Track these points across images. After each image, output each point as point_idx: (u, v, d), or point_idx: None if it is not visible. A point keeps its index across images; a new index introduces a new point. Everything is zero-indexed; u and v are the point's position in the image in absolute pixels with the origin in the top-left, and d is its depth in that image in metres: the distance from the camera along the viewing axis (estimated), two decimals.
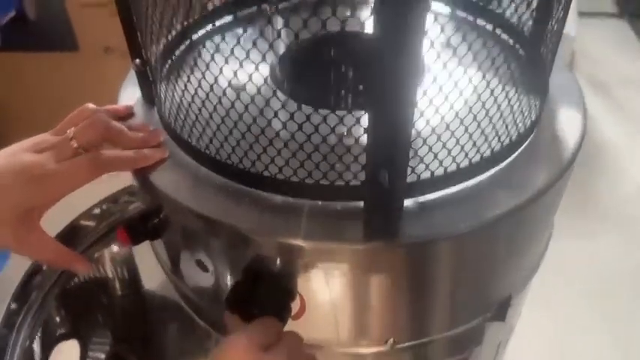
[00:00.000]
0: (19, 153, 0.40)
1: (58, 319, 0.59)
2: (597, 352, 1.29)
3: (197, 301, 0.50)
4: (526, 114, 0.42)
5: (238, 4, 0.50)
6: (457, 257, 0.40)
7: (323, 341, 0.44)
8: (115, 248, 0.63)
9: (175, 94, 0.42)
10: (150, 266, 0.66)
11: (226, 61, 0.36)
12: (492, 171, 0.41)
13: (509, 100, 0.40)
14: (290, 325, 0.41)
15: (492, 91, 0.39)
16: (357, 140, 0.37)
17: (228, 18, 0.50)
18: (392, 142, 0.34)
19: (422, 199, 0.40)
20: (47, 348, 0.57)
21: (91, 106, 0.44)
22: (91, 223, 0.54)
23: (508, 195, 0.40)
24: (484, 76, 0.38)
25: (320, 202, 0.40)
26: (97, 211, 0.55)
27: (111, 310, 0.67)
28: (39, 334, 0.55)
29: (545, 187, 0.41)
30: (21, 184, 0.39)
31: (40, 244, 0.42)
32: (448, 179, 0.39)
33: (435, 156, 0.38)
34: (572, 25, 1.68)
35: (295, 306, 0.42)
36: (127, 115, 0.47)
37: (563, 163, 0.42)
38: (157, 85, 0.45)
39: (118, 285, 0.67)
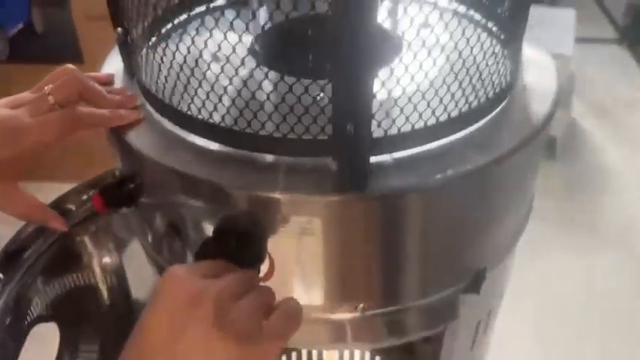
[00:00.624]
0: None
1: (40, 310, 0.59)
2: None
3: None
4: (496, 79, 0.42)
5: None
6: (425, 213, 0.40)
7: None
8: (105, 259, 0.64)
9: (154, 58, 0.43)
10: (139, 276, 0.66)
11: (207, 34, 0.38)
12: (463, 133, 0.42)
13: (478, 65, 0.41)
14: None
15: (461, 55, 0.40)
16: (324, 98, 0.38)
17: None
18: (355, 95, 0.35)
19: (391, 155, 0.40)
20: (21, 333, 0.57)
21: (70, 66, 0.45)
22: (71, 206, 0.55)
23: (477, 154, 0.40)
24: (456, 43, 0.39)
25: (294, 159, 0.40)
26: (77, 194, 0.56)
27: (100, 319, 0.67)
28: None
29: (513, 148, 0.41)
30: None
31: (13, 197, 0.42)
32: (415, 137, 0.40)
33: (401, 111, 0.39)
34: (569, 46, 1.70)
35: (264, 267, 0.42)
36: (107, 82, 0.48)
37: (534, 128, 0.43)
38: (137, 52, 0.46)
39: (106, 294, 0.67)
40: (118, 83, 0.50)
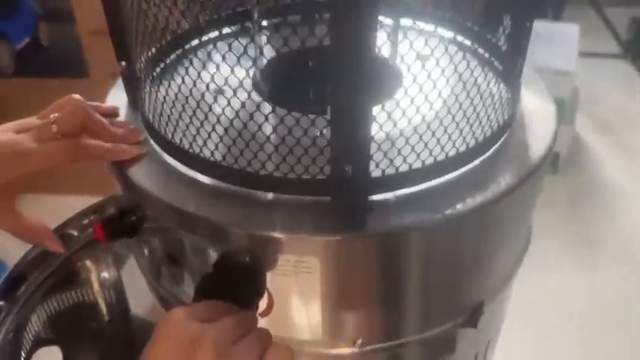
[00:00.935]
0: (1, 132, 0.42)
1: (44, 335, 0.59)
2: None
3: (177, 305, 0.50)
4: (493, 119, 0.43)
5: (224, 22, 0.52)
6: (424, 253, 0.41)
7: (291, 340, 0.44)
8: (104, 274, 0.64)
9: (158, 93, 0.44)
10: (137, 290, 0.66)
11: (210, 68, 0.38)
12: (461, 170, 0.42)
13: (477, 102, 0.41)
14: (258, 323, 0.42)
15: (459, 98, 0.40)
16: (323, 135, 0.39)
17: (215, 33, 0.52)
18: (352, 137, 0.35)
19: (391, 194, 0.40)
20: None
21: (76, 96, 0.45)
22: (73, 232, 0.55)
23: (474, 194, 0.41)
24: (454, 79, 0.39)
25: (293, 197, 0.41)
26: (80, 219, 0.56)
27: (99, 334, 0.67)
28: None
29: (510, 188, 0.41)
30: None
31: (13, 218, 0.43)
32: (413, 176, 0.40)
33: (399, 152, 0.39)
34: (573, 62, 1.70)
35: (263, 303, 0.42)
36: (111, 113, 0.49)
37: (531, 166, 0.43)
38: (141, 86, 0.47)
39: (105, 310, 0.68)
40: (123, 115, 0.50)
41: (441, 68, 0.39)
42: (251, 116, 0.39)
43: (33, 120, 0.44)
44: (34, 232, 0.45)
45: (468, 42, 0.51)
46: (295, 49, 0.43)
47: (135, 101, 0.50)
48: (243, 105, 0.39)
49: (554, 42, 1.76)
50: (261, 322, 0.43)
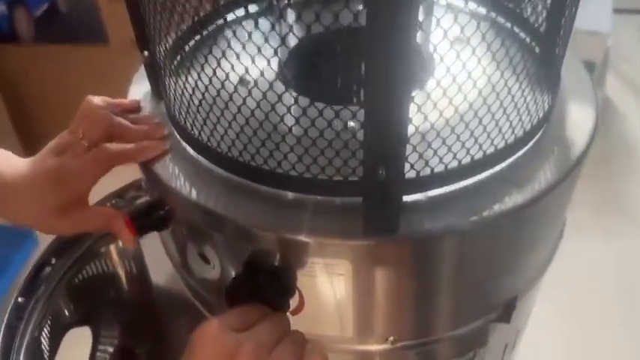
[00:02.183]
0: (44, 158, 0.43)
1: (67, 312, 0.60)
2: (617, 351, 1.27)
3: (205, 295, 0.50)
4: (533, 112, 0.41)
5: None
6: (458, 255, 0.40)
7: (323, 337, 0.44)
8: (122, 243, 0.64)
9: (182, 87, 0.42)
10: (158, 260, 0.66)
11: (233, 57, 0.36)
12: (498, 167, 0.40)
13: (515, 98, 0.39)
14: (290, 320, 0.41)
15: (497, 89, 0.38)
16: (355, 135, 0.37)
17: (239, 12, 0.50)
18: (387, 139, 0.34)
19: (423, 195, 0.39)
20: (57, 337, 0.58)
21: (96, 101, 0.45)
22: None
23: (512, 193, 0.39)
24: (491, 73, 0.37)
25: (322, 198, 0.39)
26: (105, 205, 0.56)
27: (119, 304, 0.68)
28: (48, 325, 0.56)
29: (549, 187, 0.40)
30: (50, 188, 0.42)
31: (88, 217, 0.44)
32: (449, 176, 0.39)
33: (435, 152, 0.37)
34: (607, 22, 1.63)
35: (294, 302, 0.42)
36: (133, 109, 0.48)
37: (570, 163, 0.41)
38: (164, 79, 0.45)
39: (125, 280, 0.68)
40: (147, 106, 0.49)
41: (477, 56, 0.36)
42: (281, 115, 0.37)
43: (65, 136, 0.44)
44: (112, 221, 0.45)
45: (505, 22, 0.49)
46: (330, 30, 0.40)
47: (157, 91, 0.48)
48: (272, 100, 0.37)
49: (586, 1, 1.69)
50: (292, 320, 0.42)
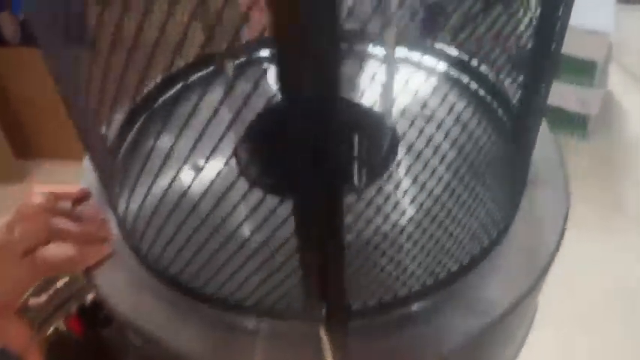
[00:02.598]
0: None
1: None
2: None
3: None
4: (490, 228, 0.38)
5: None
6: None
7: None
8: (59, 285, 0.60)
9: (124, 185, 0.40)
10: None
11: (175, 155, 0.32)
12: (448, 290, 0.38)
13: (471, 217, 0.37)
14: None
15: (451, 207, 0.35)
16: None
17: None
18: (325, 277, 0.32)
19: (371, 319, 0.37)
20: None
21: (37, 201, 0.42)
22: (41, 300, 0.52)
23: (465, 318, 0.37)
24: (442, 191, 0.34)
25: (272, 322, 0.38)
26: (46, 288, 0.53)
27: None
28: None
29: (504, 312, 0.37)
30: None
31: (16, 334, 0.42)
32: (396, 303, 0.36)
33: (380, 284, 0.35)
34: (610, 20, 1.57)
35: None
36: (81, 198, 0.46)
37: (530, 281, 0.39)
38: (108, 171, 0.43)
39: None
40: (96, 193, 0.46)
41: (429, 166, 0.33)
42: (225, 237, 0.34)
43: (1, 234, 0.41)
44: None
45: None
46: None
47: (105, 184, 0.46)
48: (215, 221, 0.34)
49: None
50: None
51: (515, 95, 0.42)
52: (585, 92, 1.63)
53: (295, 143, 0.25)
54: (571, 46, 1.54)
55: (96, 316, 0.45)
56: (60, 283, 0.49)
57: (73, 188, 0.46)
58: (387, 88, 0.47)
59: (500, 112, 0.47)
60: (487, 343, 0.38)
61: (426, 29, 0.51)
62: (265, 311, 0.37)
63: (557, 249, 0.41)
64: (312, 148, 0.25)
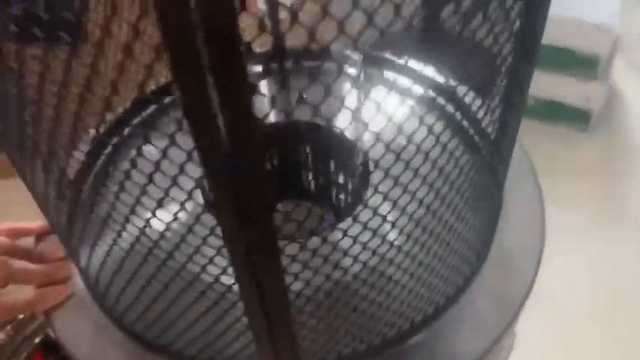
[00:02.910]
0: None
1: None
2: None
3: None
4: (457, 274, 0.37)
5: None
6: None
7: None
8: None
9: (82, 239, 0.39)
10: None
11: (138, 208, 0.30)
12: (414, 338, 0.37)
13: (438, 263, 0.35)
14: None
15: (417, 253, 0.33)
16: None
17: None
18: (274, 343, 0.30)
19: None
20: None
21: None
22: (1, 338, 0.51)
23: None
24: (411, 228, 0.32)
25: None
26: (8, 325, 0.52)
27: None
28: None
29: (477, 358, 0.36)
30: None
31: None
32: (359, 357, 0.35)
33: (337, 342, 0.34)
34: (614, 13, 1.53)
35: None
36: (41, 233, 0.45)
37: (498, 330, 0.37)
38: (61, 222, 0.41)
39: None
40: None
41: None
42: (184, 286, 0.32)
43: None
44: None
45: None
46: None
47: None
48: (179, 285, 0.33)
49: None
50: None
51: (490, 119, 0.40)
52: (588, 87, 1.59)
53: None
54: (574, 40, 1.50)
55: (59, 350, 0.44)
56: (21, 316, 0.49)
57: (33, 224, 0.45)
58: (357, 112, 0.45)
59: (475, 138, 0.45)
60: None
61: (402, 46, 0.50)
62: None
63: (529, 290, 0.39)
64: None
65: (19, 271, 0.41)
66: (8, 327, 0.48)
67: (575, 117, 1.68)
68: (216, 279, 0.30)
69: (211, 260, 0.29)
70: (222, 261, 0.28)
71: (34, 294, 0.40)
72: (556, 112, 1.70)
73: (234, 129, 0.19)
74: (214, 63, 0.17)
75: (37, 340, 0.48)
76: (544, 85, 1.65)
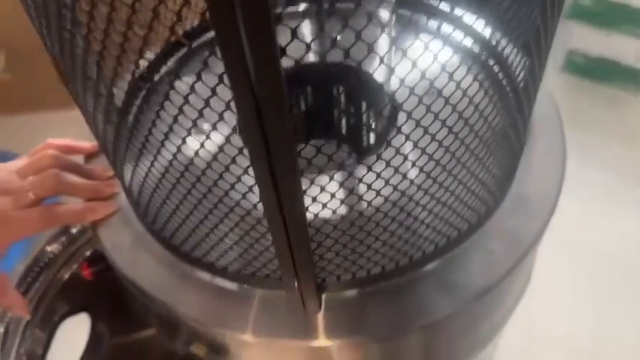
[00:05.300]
0: None
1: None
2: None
3: None
4: (478, 207, 0.39)
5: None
6: (388, 355, 0.40)
7: None
8: (73, 231, 0.59)
9: (123, 152, 0.42)
10: None
11: (178, 130, 0.33)
12: (426, 267, 0.39)
13: (462, 192, 0.37)
14: None
15: (441, 180, 0.35)
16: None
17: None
18: (294, 260, 0.33)
19: (346, 293, 0.39)
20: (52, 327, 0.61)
21: (50, 152, 0.45)
22: (57, 248, 0.56)
23: (439, 298, 0.38)
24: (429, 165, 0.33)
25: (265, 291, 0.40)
26: (63, 237, 0.56)
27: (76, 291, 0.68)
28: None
29: (483, 290, 0.39)
30: None
31: None
32: (372, 280, 0.38)
33: (353, 262, 0.37)
34: None
35: None
36: (92, 153, 0.48)
37: (506, 267, 0.39)
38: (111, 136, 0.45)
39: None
40: None
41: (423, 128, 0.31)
42: (225, 212, 0.35)
43: (11, 177, 0.44)
44: (10, 300, 0.46)
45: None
46: None
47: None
48: (216, 196, 0.35)
49: None
50: None
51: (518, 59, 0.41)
52: None
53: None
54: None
55: (105, 263, 0.48)
56: (74, 231, 0.53)
57: (84, 144, 0.49)
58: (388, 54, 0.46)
59: (502, 80, 0.46)
60: (465, 318, 0.40)
61: None
62: (246, 279, 0.39)
63: (540, 234, 0.41)
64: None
65: (70, 183, 0.44)
66: (63, 238, 0.53)
67: (628, 77, 1.63)
68: (244, 196, 0.33)
69: (239, 179, 0.32)
70: (249, 180, 0.31)
71: (82, 205, 0.44)
72: (608, 72, 1.65)
73: (256, 51, 0.21)
74: None
75: (86, 253, 0.53)
76: (596, 42, 1.60)
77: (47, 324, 0.55)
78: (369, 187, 0.33)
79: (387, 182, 0.33)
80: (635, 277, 1.32)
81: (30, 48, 1.63)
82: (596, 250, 1.34)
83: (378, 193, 0.33)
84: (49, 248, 0.53)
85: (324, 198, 0.33)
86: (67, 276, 0.52)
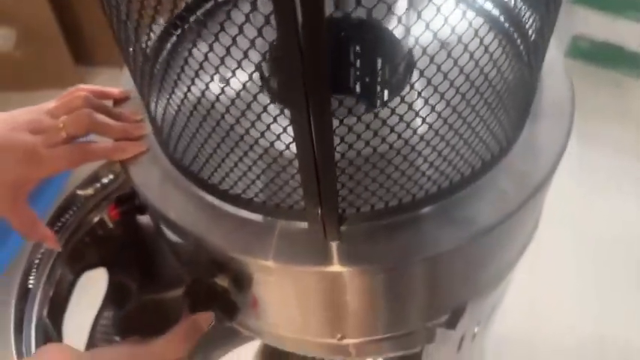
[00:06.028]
0: (17, 130, 0.44)
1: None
2: None
3: None
4: (490, 147, 0.41)
5: None
6: (399, 284, 0.42)
7: (273, 325, 0.49)
8: (104, 180, 0.61)
9: (156, 93, 0.44)
10: None
11: (208, 68, 0.36)
12: (442, 202, 0.42)
13: (478, 129, 0.39)
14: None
15: (458, 118, 0.37)
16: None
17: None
18: (318, 186, 0.36)
19: (361, 225, 0.41)
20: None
21: (82, 93, 0.47)
22: (89, 192, 0.58)
23: (450, 231, 0.41)
24: (444, 105, 0.36)
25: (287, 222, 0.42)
26: (94, 184, 0.59)
27: (106, 240, 0.67)
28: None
29: (491, 226, 0.41)
30: (18, 163, 0.44)
31: (22, 214, 0.47)
32: (388, 212, 0.40)
33: (374, 192, 0.39)
34: None
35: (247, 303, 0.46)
36: (120, 98, 0.51)
37: (514, 206, 0.42)
38: (142, 76, 0.47)
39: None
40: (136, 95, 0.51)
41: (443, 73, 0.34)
42: (251, 144, 0.38)
43: (43, 117, 0.46)
44: (35, 228, 0.48)
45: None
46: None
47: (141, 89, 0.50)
48: (243, 127, 0.37)
49: None
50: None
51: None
52: None
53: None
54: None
55: (132, 203, 0.51)
56: (105, 180, 0.56)
57: (114, 89, 0.51)
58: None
59: (513, 34, 0.48)
60: (473, 253, 0.42)
61: None
62: (270, 210, 0.42)
63: (549, 176, 0.43)
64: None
65: (101, 123, 0.46)
66: (97, 184, 0.55)
67: (632, 62, 1.65)
68: (268, 127, 0.36)
69: (265, 108, 0.35)
70: (275, 110, 0.34)
71: (114, 144, 0.47)
72: (613, 57, 1.67)
73: None
74: None
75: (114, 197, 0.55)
76: (600, 26, 1.61)
77: (74, 266, 0.57)
78: (401, 118, 0.35)
79: (416, 113, 0.35)
80: (638, 261, 1.34)
81: (41, 25, 1.68)
82: (599, 235, 1.36)
83: (408, 124, 0.36)
84: (80, 192, 0.55)
85: (350, 122, 0.35)
86: (96, 219, 0.55)
